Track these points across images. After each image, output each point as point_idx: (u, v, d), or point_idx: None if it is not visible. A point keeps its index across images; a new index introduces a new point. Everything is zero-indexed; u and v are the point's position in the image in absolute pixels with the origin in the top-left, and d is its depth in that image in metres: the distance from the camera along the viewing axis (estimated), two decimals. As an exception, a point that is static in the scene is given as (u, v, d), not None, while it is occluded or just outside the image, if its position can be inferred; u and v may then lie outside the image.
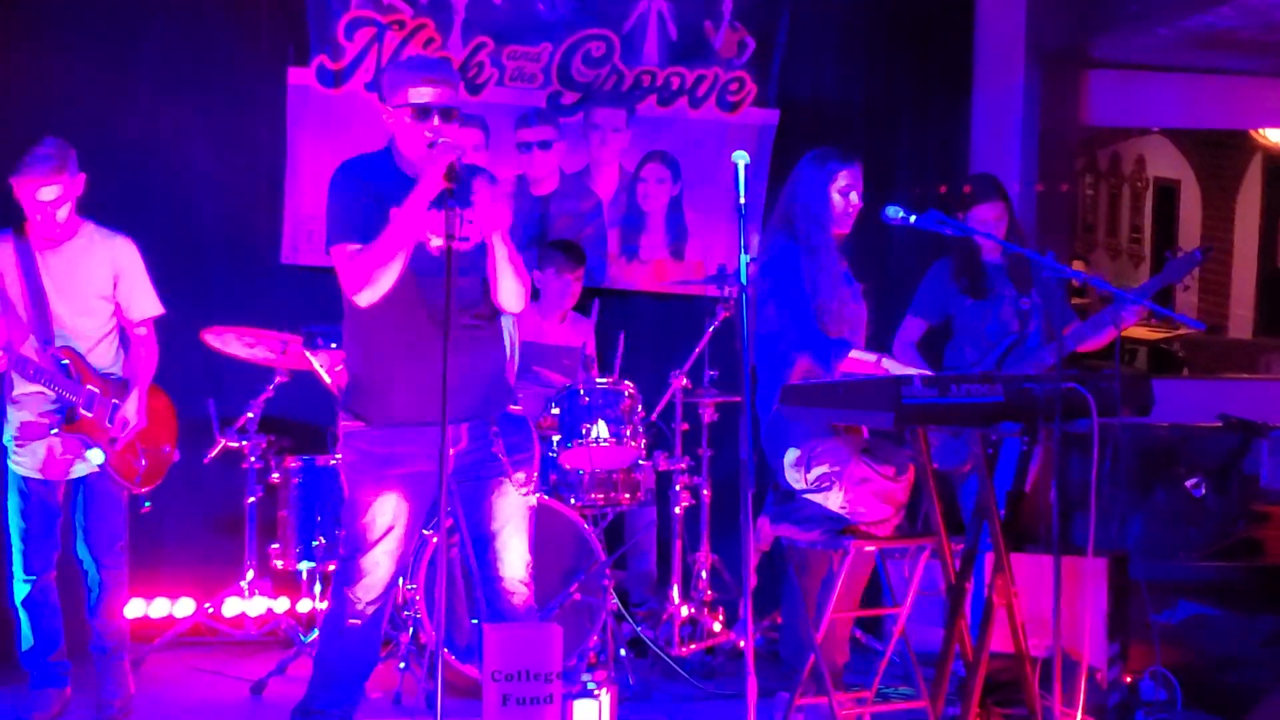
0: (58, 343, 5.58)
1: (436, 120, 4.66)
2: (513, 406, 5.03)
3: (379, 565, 4.88)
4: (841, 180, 5.61)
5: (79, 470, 5.68)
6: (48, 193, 5.46)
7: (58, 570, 5.77)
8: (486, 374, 4.91)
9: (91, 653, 5.84)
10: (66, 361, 5.57)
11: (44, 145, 5.48)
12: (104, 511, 5.75)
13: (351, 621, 4.91)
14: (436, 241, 4.71)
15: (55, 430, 5.54)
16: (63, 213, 5.54)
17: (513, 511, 4.94)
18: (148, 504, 5.89)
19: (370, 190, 4.71)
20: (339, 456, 6.57)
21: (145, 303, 5.82)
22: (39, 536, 5.68)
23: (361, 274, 4.62)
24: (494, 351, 4.99)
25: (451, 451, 4.83)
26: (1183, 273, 5.91)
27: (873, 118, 8.12)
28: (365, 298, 4.65)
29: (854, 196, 5.63)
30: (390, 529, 4.85)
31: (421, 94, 4.69)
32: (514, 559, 4.95)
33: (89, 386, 5.62)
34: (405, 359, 4.76)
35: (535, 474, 5.03)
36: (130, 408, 5.73)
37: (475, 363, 4.84)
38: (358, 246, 4.64)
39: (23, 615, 5.73)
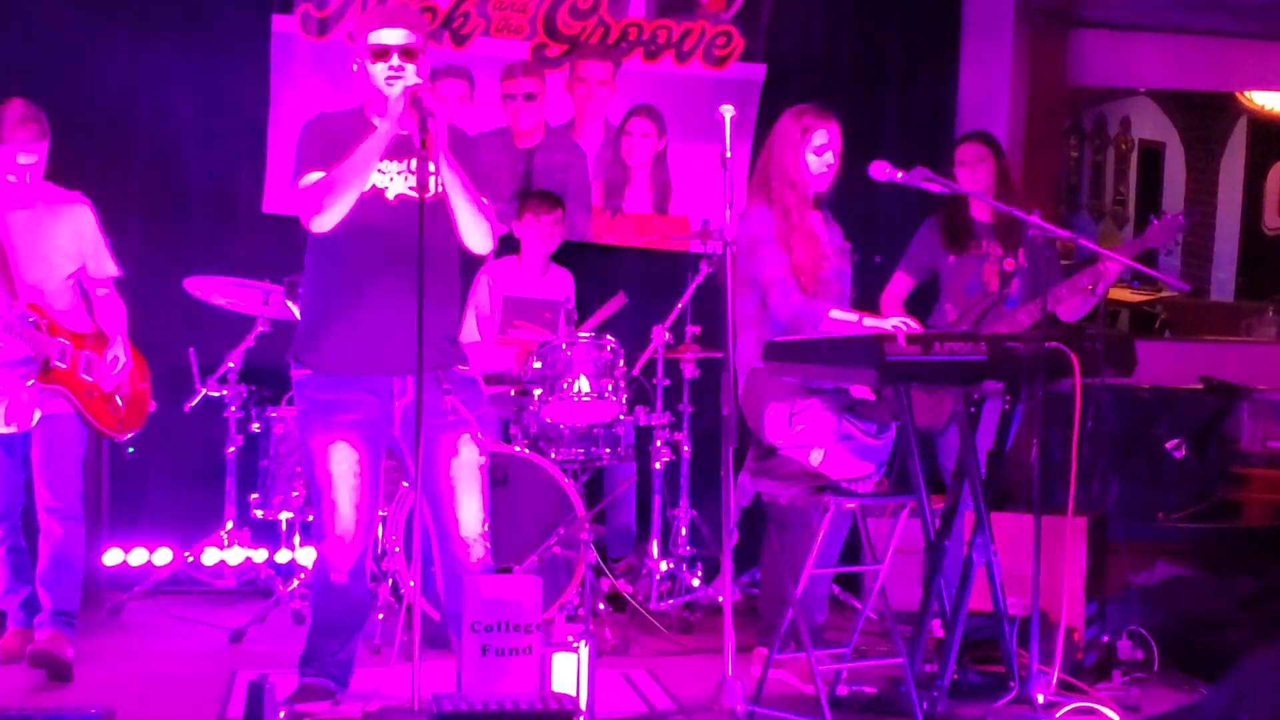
0: (25, 298, 5.45)
1: (396, 59, 4.77)
2: (461, 366, 5.06)
3: (344, 516, 4.92)
4: (816, 139, 5.59)
5: (37, 416, 5.50)
6: (28, 159, 5.42)
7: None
8: (435, 329, 4.80)
9: (35, 622, 5.63)
10: (33, 318, 5.44)
11: (20, 108, 5.40)
12: (60, 454, 5.58)
13: (335, 576, 4.98)
14: (395, 189, 4.83)
15: (31, 381, 5.41)
16: (35, 176, 5.49)
17: (466, 467, 4.99)
18: (131, 450, 5.81)
19: (338, 139, 4.77)
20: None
21: (103, 264, 5.70)
22: (4, 488, 5.61)
23: (316, 198, 4.71)
24: (446, 309, 5.01)
25: (398, 403, 4.93)
26: (1165, 238, 5.89)
27: (860, 73, 8.10)
28: (318, 224, 4.73)
29: (829, 156, 5.61)
30: (346, 477, 4.89)
31: (380, 35, 4.81)
32: (469, 516, 5.00)
33: (59, 339, 5.49)
34: (354, 306, 4.82)
35: (482, 429, 5.07)
36: (118, 348, 5.64)
37: (427, 313, 4.67)
38: (319, 175, 4.73)
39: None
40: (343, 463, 4.89)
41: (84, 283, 5.69)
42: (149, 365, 5.95)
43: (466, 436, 4.99)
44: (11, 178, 5.43)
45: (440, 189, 4.80)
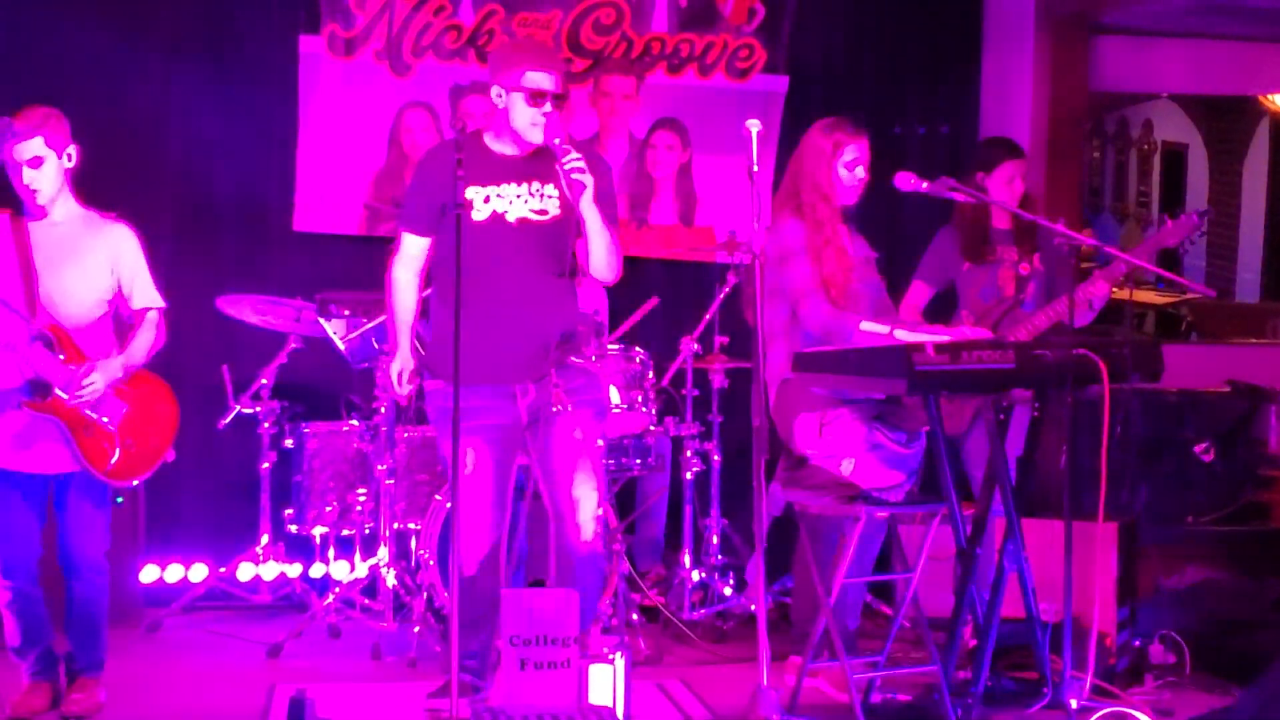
0: (41, 319, 5.19)
1: (549, 106, 5.08)
2: (576, 359, 5.35)
3: (474, 514, 5.21)
4: (848, 154, 5.63)
5: (56, 466, 5.22)
6: (26, 150, 5.15)
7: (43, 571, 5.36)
8: (555, 333, 5.25)
9: (61, 666, 5.45)
10: (51, 339, 5.15)
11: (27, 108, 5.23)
12: (84, 517, 5.33)
13: (464, 569, 5.20)
14: (516, 213, 5.17)
15: (20, 404, 5.13)
16: (47, 182, 5.21)
17: (572, 449, 5.27)
18: (119, 499, 5.70)
19: (445, 180, 5.00)
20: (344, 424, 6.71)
21: (146, 294, 5.41)
22: (14, 537, 5.25)
23: (387, 280, 5.34)
24: (564, 309, 5.32)
25: (522, 403, 5.23)
26: (1180, 236, 5.93)
27: (882, 83, 8.12)
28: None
29: (860, 170, 5.65)
30: (475, 477, 5.20)
31: (539, 80, 5.09)
32: (584, 499, 5.27)
33: (70, 366, 5.17)
34: (475, 324, 5.06)
35: (600, 421, 5.39)
36: (100, 372, 5.22)
37: (544, 325, 5.21)
38: (410, 235, 5.31)
39: (9, 615, 5.33)
40: (471, 464, 5.18)
41: (123, 313, 5.43)
42: (183, 387, 5.68)
43: (572, 413, 5.27)
44: (22, 183, 5.18)
45: (560, 211, 5.19)
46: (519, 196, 5.17)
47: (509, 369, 5.18)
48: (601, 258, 5.19)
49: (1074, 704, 5.18)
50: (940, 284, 6.49)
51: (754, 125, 4.95)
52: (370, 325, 6.44)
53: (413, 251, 5.35)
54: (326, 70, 7.37)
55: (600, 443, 5.36)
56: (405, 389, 5.37)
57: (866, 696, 5.40)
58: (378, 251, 7.16)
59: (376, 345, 6.52)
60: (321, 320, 6.56)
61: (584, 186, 5.01)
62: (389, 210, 7.38)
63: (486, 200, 5.17)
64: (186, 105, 7.30)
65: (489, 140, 5.24)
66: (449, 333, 5.01)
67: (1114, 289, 5.95)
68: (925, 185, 5.51)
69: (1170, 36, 8.63)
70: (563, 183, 5.09)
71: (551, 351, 5.22)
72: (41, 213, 5.28)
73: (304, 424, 6.86)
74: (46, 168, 5.22)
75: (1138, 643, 6.00)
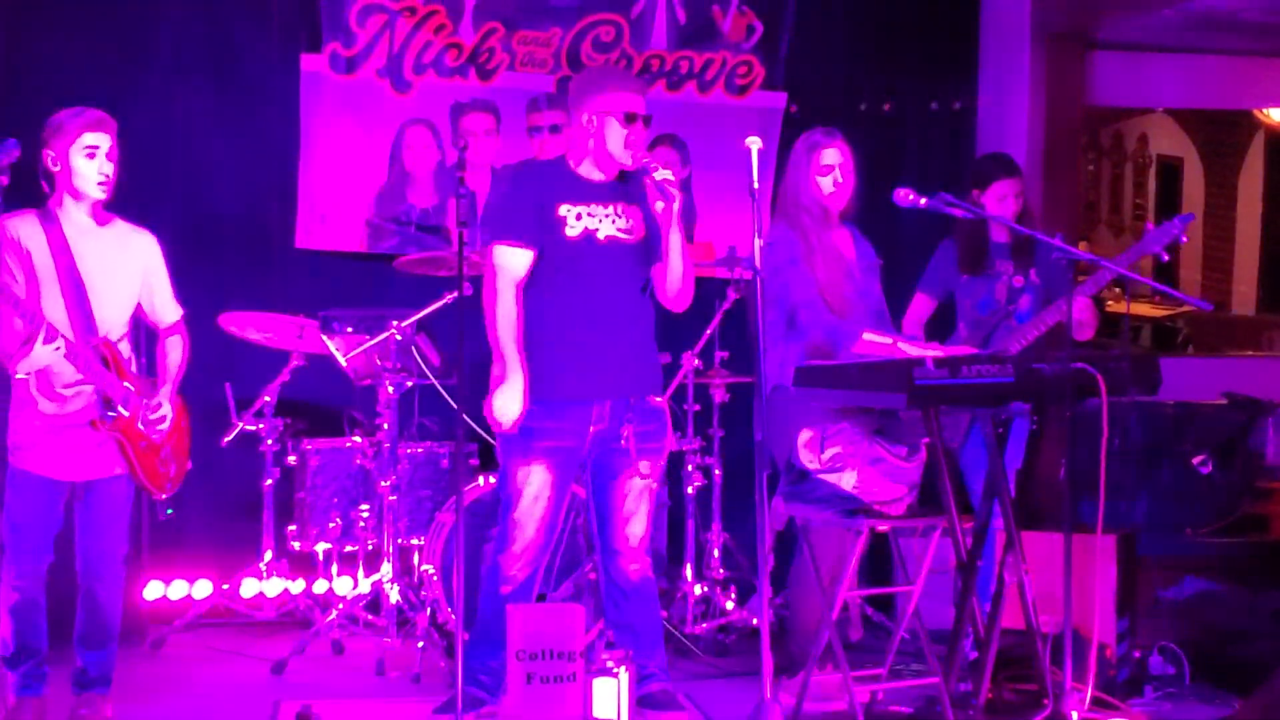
0: (100, 332, 5.24)
1: (641, 127, 5.27)
2: (654, 398, 5.47)
3: (526, 532, 5.32)
4: (823, 159, 5.70)
5: (88, 472, 5.27)
6: (99, 139, 5.17)
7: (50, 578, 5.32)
8: (632, 355, 5.39)
9: (72, 683, 5.44)
10: (106, 356, 5.20)
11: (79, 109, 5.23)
12: (110, 519, 5.37)
13: (504, 586, 5.34)
14: (605, 231, 5.31)
15: (94, 424, 5.16)
16: (108, 170, 5.19)
17: (636, 493, 5.42)
18: (170, 511, 5.77)
19: (543, 196, 5.30)
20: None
21: (172, 304, 5.53)
22: (32, 540, 5.23)
23: (486, 302, 5.27)
24: (648, 328, 5.47)
25: (592, 428, 5.33)
26: (1161, 242, 5.97)
27: (880, 100, 8.17)
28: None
29: (838, 175, 5.70)
30: (536, 498, 5.30)
31: (631, 102, 5.28)
32: (635, 534, 5.44)
33: (125, 384, 5.26)
34: (561, 340, 5.28)
35: (662, 464, 5.54)
36: (165, 401, 5.40)
37: (621, 344, 5.34)
38: (510, 248, 5.27)
39: (7, 619, 5.27)
40: (535, 485, 5.31)
41: (149, 324, 5.51)
42: (187, 402, 5.71)
43: (646, 463, 5.41)
44: (85, 174, 5.16)
45: (643, 233, 5.36)
46: (607, 216, 5.32)
47: (592, 385, 5.30)
48: (678, 278, 5.32)
49: (1074, 715, 5.19)
50: (941, 295, 6.53)
51: (754, 143, 4.98)
52: (372, 342, 6.47)
53: (513, 266, 5.29)
54: (328, 88, 7.40)
55: (654, 485, 5.50)
56: (514, 415, 5.21)
57: (869, 709, 5.42)
58: (380, 268, 7.24)
59: (379, 362, 6.56)
60: (324, 337, 6.59)
61: (675, 198, 5.14)
62: (391, 227, 7.43)
63: (579, 218, 5.31)
64: (188, 123, 7.32)
65: (572, 165, 5.40)
66: (538, 349, 5.27)
67: (1104, 295, 5.98)
68: (923, 201, 5.54)
69: (1165, 51, 8.69)
70: (646, 204, 5.26)
71: (637, 372, 5.38)
72: (78, 199, 5.23)
73: (307, 441, 6.90)
74: (112, 167, 5.25)
75: (1137, 654, 6.03)
